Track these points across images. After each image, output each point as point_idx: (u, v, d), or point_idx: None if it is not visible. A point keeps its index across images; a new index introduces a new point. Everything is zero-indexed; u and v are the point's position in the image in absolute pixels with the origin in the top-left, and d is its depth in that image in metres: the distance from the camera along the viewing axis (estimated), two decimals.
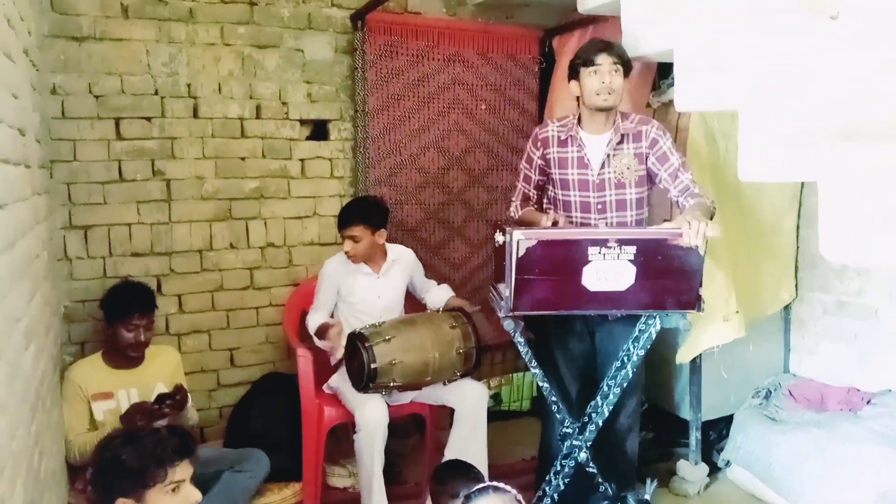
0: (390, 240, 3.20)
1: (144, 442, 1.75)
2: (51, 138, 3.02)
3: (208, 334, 3.44)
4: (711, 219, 2.52)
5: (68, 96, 3.07)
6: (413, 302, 3.29)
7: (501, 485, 1.95)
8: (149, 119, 3.23)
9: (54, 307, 2.78)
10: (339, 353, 2.91)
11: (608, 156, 2.68)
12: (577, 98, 2.73)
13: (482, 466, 2.82)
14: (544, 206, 2.89)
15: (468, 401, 2.91)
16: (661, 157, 2.67)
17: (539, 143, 2.79)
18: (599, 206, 2.70)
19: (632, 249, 2.33)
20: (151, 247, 3.27)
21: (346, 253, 3.00)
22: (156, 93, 3.23)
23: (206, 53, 3.32)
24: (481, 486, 1.96)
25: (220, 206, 3.40)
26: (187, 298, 3.37)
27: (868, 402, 3.13)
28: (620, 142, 2.68)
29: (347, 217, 3.02)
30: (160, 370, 2.90)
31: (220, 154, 3.38)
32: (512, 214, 2.88)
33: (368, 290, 3.07)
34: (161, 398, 2.71)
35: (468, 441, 2.88)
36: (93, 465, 1.84)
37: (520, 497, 1.92)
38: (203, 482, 2.66)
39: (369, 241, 2.99)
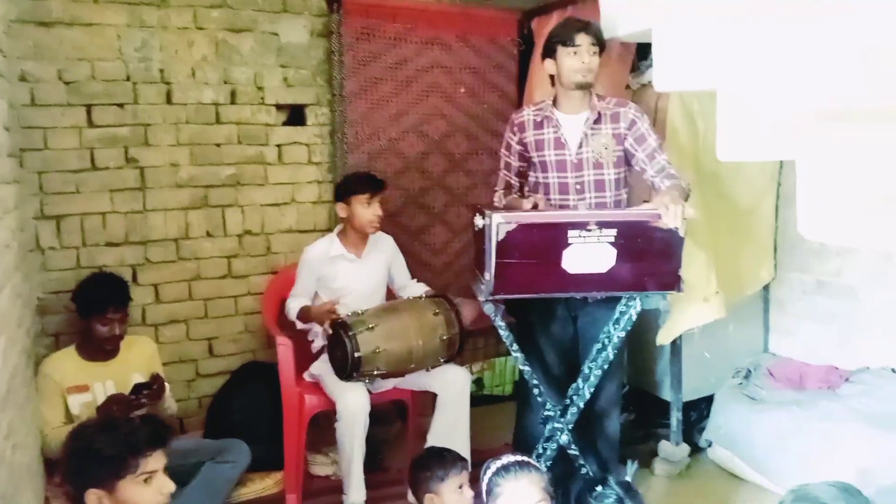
0: None
1: (117, 431, 1.72)
2: (20, 126, 2.95)
3: (186, 324, 3.40)
4: (686, 200, 2.51)
5: (38, 83, 3.00)
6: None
7: (537, 463, 1.95)
8: (121, 106, 3.16)
9: (27, 299, 2.73)
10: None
11: (586, 135, 2.66)
12: (551, 77, 2.71)
13: (465, 451, 2.81)
14: (526, 192, 2.87)
15: (451, 386, 2.90)
16: (638, 137, 2.66)
17: (515, 129, 2.77)
18: (578, 187, 2.69)
19: (612, 232, 2.32)
20: (126, 236, 3.22)
21: (378, 218, 3.00)
22: (128, 79, 3.17)
23: (179, 38, 3.25)
24: (520, 459, 1.96)
25: (196, 193, 3.35)
26: (164, 288, 3.33)
27: (847, 381, 3.16)
28: (598, 121, 2.66)
29: (380, 181, 3.04)
30: (136, 361, 2.86)
31: (194, 141, 3.32)
32: (496, 204, 2.86)
33: (351, 276, 3.04)
34: (138, 388, 2.68)
35: (451, 426, 2.88)
36: (65, 453, 1.80)
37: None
38: (184, 473, 2.65)
39: None
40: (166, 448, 1.77)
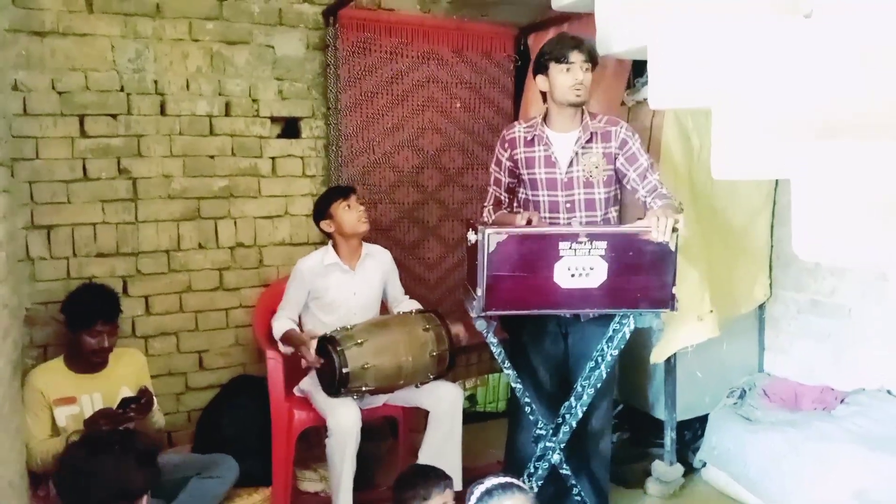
0: (364, 240, 3.13)
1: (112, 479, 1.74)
2: (12, 136, 2.93)
3: (176, 336, 3.36)
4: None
5: (30, 93, 2.99)
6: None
7: (522, 484, 1.92)
8: (114, 116, 3.15)
9: (14, 309, 2.69)
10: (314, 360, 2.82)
11: (576, 154, 2.65)
12: (543, 94, 2.70)
13: (456, 468, 2.79)
14: (515, 209, 2.85)
15: (442, 403, 2.87)
16: (630, 157, 2.65)
17: (506, 145, 2.76)
18: (568, 206, 2.67)
19: (602, 245, 2.32)
20: (117, 247, 3.20)
21: (363, 213, 3.01)
22: (121, 89, 3.16)
23: (174, 49, 3.25)
24: (503, 481, 1.93)
25: (189, 205, 3.33)
26: (154, 300, 3.30)
27: (842, 402, 3.13)
28: (589, 140, 2.65)
29: (350, 188, 3.09)
30: (125, 374, 2.83)
31: (188, 152, 3.31)
32: (486, 219, 2.84)
33: (343, 288, 3.01)
34: (125, 402, 2.64)
35: (443, 443, 2.84)
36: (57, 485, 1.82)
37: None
38: (171, 488, 2.62)
39: None
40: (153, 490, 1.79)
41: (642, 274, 2.36)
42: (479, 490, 1.97)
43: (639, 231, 2.34)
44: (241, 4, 3.36)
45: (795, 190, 1.81)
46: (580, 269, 2.32)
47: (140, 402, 2.65)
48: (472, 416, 3.75)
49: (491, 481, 1.97)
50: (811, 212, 1.80)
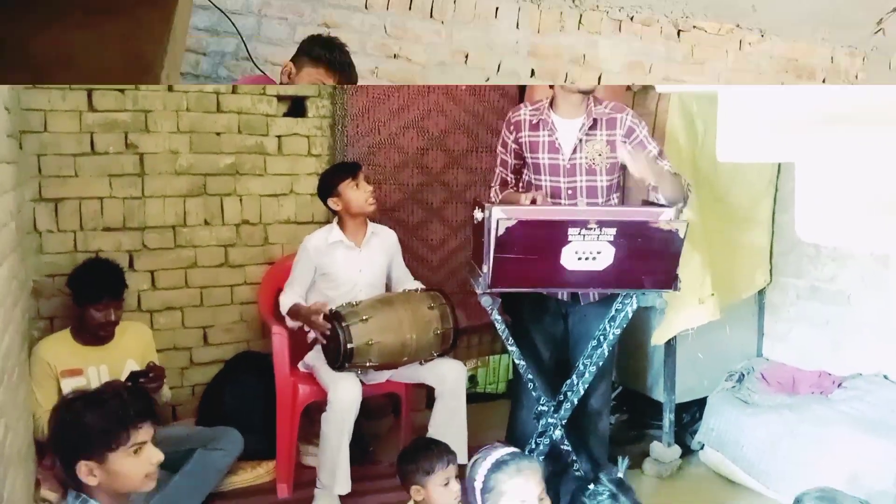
0: (370, 219, 3.15)
1: (107, 404, 1.71)
2: (20, 108, 2.94)
3: (181, 312, 3.39)
4: (686, 201, 2.52)
5: None
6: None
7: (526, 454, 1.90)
8: (122, 91, 3.15)
9: (22, 281, 2.71)
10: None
11: (580, 141, 2.65)
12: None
13: (463, 443, 2.82)
14: (520, 189, 2.87)
15: (447, 379, 2.90)
16: (637, 145, 2.64)
17: (512, 127, 2.77)
18: (570, 192, 2.68)
19: (612, 231, 2.32)
20: (124, 221, 3.21)
21: (372, 193, 3.03)
22: None
23: None
24: (512, 451, 1.90)
25: (195, 181, 3.34)
26: (160, 275, 3.31)
27: (839, 386, 3.17)
28: (593, 127, 2.65)
29: (355, 163, 3.11)
30: (131, 347, 2.85)
31: (194, 129, 3.31)
32: (493, 200, 2.86)
33: (350, 265, 3.04)
34: (134, 376, 2.66)
35: (450, 418, 2.87)
36: (54, 425, 1.79)
37: None
38: (175, 460, 2.64)
39: None
40: (155, 419, 1.77)
41: (648, 257, 2.38)
42: (489, 461, 1.90)
43: (648, 217, 2.35)
44: None
45: (799, 173, 1.84)
46: (587, 252, 2.34)
47: (148, 376, 2.68)
48: (473, 397, 3.77)
49: (500, 451, 1.90)
50: (814, 194, 1.83)
